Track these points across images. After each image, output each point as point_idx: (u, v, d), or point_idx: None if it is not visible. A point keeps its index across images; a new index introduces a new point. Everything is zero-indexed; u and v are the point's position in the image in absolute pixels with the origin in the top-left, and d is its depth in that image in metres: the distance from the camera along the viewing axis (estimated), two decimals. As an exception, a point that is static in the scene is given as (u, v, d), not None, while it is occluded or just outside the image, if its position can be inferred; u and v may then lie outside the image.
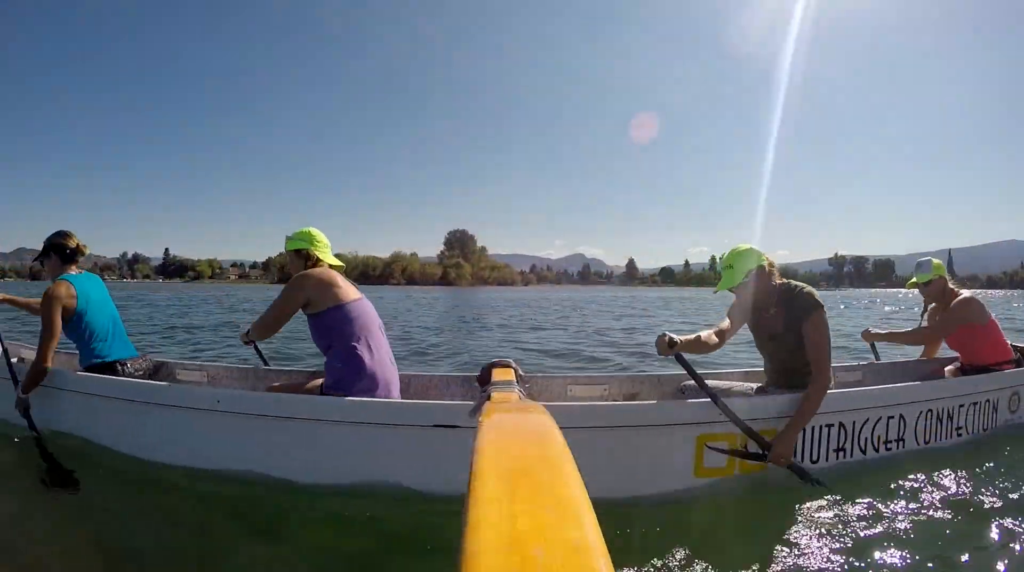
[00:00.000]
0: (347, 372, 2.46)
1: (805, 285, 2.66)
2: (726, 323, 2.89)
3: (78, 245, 3.07)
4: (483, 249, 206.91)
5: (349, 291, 2.60)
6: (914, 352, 4.04)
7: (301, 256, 2.67)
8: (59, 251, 3.03)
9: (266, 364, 3.49)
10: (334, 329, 2.52)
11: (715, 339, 2.82)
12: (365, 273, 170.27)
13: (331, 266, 2.69)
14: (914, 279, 3.62)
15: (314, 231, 2.73)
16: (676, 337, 2.52)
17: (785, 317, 2.67)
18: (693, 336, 2.71)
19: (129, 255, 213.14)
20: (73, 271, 3.05)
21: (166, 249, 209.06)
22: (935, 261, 3.58)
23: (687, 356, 2.59)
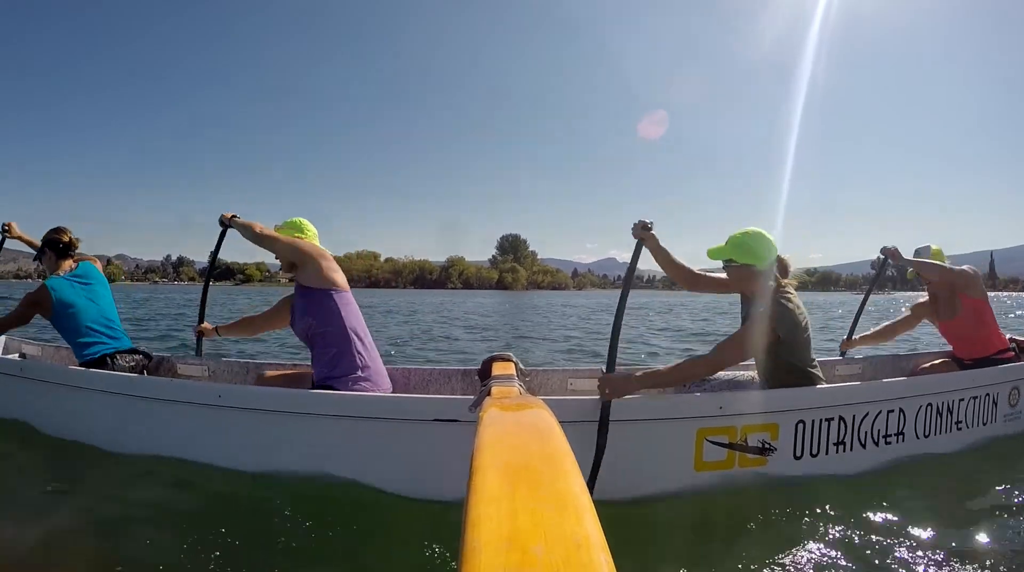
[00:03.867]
0: (341, 360, 2.45)
1: (793, 298, 2.51)
2: (716, 276, 2.77)
3: (71, 239, 3.21)
4: (534, 254, 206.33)
5: (334, 266, 2.60)
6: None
7: None
8: (54, 247, 3.15)
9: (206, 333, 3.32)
10: (333, 311, 2.51)
11: (688, 270, 2.74)
12: (421, 277, 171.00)
13: None
14: (909, 274, 3.45)
15: (303, 221, 2.71)
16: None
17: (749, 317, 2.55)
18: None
19: (173, 258, 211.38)
20: (66, 266, 3.16)
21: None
22: (934, 247, 3.39)
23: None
